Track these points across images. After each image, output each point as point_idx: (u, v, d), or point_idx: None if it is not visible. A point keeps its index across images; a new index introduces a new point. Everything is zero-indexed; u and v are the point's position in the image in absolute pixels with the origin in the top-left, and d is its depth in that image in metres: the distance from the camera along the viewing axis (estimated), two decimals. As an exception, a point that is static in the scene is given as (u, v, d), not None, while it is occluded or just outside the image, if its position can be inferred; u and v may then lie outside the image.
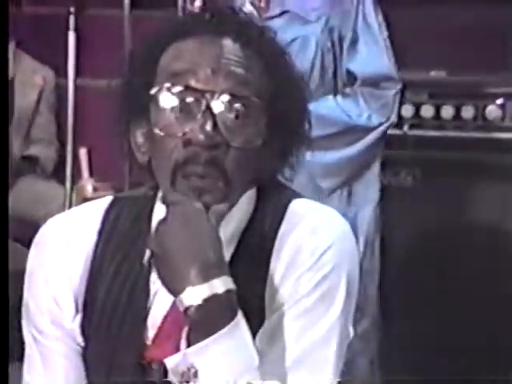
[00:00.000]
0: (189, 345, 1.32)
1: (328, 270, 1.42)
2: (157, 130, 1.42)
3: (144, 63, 1.47)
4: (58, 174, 3.78)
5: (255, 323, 1.39)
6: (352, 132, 2.62)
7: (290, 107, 1.49)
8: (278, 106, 1.46)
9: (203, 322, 1.31)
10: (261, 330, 1.41)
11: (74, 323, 1.49)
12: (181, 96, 1.40)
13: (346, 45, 2.62)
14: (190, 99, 1.40)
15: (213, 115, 1.38)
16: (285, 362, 1.40)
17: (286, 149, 1.52)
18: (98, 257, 1.50)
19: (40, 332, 1.50)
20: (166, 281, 1.35)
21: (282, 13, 2.61)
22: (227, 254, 1.43)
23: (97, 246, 1.50)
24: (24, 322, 1.54)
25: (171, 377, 1.34)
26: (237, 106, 1.41)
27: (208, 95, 1.39)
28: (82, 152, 3.86)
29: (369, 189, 2.71)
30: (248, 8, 2.62)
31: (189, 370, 1.31)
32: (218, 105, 1.39)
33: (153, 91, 1.43)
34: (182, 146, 1.39)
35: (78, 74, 3.26)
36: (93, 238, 1.51)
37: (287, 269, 1.43)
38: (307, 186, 2.43)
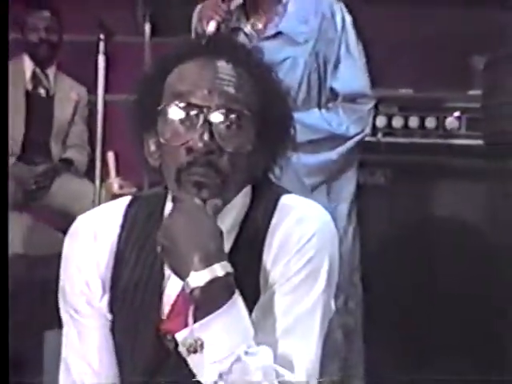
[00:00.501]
0: (195, 320, 1.32)
1: (312, 254, 1.42)
2: (163, 140, 1.43)
3: (153, 83, 1.47)
4: (89, 173, 3.77)
5: (251, 300, 1.39)
6: (332, 139, 2.61)
7: (277, 117, 1.48)
8: (267, 116, 1.46)
9: (206, 301, 1.31)
10: (256, 306, 1.41)
11: (101, 302, 1.49)
12: (185, 110, 1.41)
13: (329, 67, 2.61)
14: (192, 113, 1.40)
15: (210, 126, 1.39)
16: (276, 331, 1.40)
17: (276, 151, 1.51)
18: (121, 246, 1.50)
19: (76, 311, 1.50)
20: (174, 267, 1.35)
21: (276, 34, 2.60)
22: (229, 243, 1.43)
23: (120, 237, 1.50)
24: (61, 303, 1.53)
25: (181, 348, 1.34)
26: (230, 118, 1.41)
27: (206, 110, 1.40)
28: (110, 155, 3.84)
29: (347, 186, 2.70)
30: (248, 29, 2.62)
31: (196, 342, 1.31)
32: (214, 118, 1.40)
33: (160, 107, 1.43)
34: (185, 153, 1.39)
35: (106, 90, 3.25)
36: (116, 230, 1.51)
37: (278, 253, 1.43)
38: (294, 183, 2.41)
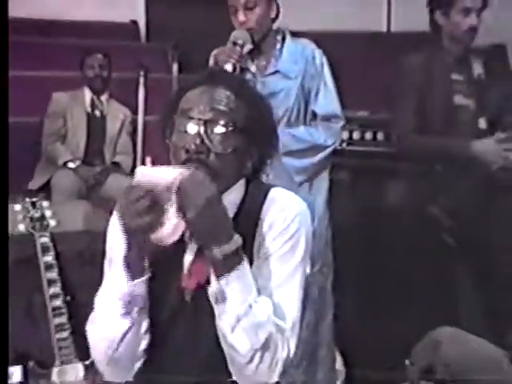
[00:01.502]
0: (217, 277, 1.34)
1: (293, 232, 1.44)
2: (172, 144, 1.45)
3: (171, 105, 1.49)
4: (133, 173, 3.77)
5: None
6: (314, 148, 2.61)
7: (262, 129, 1.49)
8: (254, 129, 1.46)
9: (226, 265, 1.34)
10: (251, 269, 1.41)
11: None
12: (186, 122, 1.43)
13: (312, 95, 2.61)
14: (190, 123, 1.43)
15: (201, 133, 1.42)
16: (267, 289, 1.41)
17: (262, 154, 1.51)
18: None
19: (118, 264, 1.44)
20: (199, 240, 1.36)
21: (275, 72, 2.60)
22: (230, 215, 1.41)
23: None
24: (106, 265, 1.49)
25: (211, 298, 1.35)
26: (217, 127, 1.43)
27: (201, 122, 1.42)
28: (148, 159, 3.86)
29: (323, 183, 2.70)
30: (254, 68, 2.63)
31: (221, 293, 1.34)
32: (205, 127, 1.42)
33: (172, 120, 1.46)
34: (184, 153, 1.42)
35: (145, 112, 3.27)
36: None
37: (268, 232, 1.44)
38: (286, 180, 2.44)
